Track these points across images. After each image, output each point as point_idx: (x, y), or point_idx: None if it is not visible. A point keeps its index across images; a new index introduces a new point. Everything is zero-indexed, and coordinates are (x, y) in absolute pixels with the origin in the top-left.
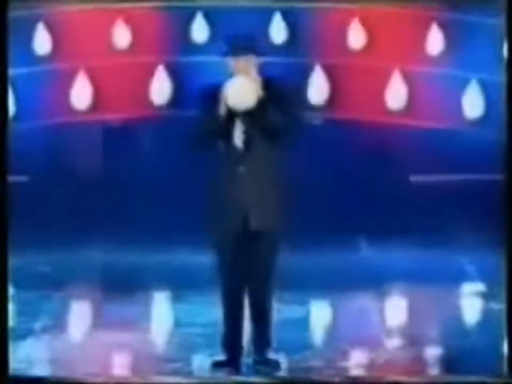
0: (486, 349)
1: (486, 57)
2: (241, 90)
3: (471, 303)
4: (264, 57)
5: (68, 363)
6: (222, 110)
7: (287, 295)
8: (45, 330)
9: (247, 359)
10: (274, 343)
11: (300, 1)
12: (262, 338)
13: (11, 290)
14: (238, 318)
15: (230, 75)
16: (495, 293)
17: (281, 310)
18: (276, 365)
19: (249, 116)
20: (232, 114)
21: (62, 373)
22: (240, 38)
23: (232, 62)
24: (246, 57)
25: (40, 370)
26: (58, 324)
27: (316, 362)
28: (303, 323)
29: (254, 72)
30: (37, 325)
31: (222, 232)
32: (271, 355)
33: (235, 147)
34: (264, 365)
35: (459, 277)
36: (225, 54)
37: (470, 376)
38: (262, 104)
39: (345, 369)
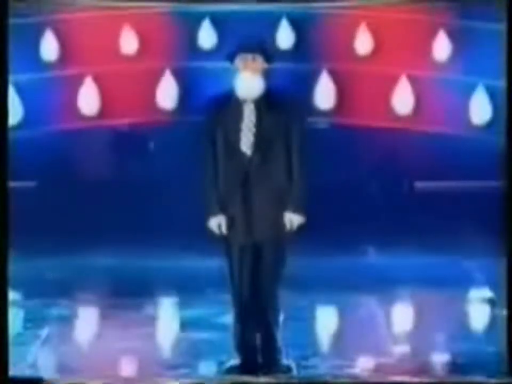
0: (492, 353)
1: (492, 63)
2: (248, 81)
3: (477, 308)
4: (272, 63)
5: (75, 368)
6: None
7: (294, 300)
8: (51, 336)
9: (258, 363)
10: (283, 348)
11: (307, 7)
12: (273, 343)
13: (18, 296)
14: (250, 323)
15: (236, 74)
16: (501, 298)
17: (288, 315)
18: (287, 369)
19: (256, 121)
20: (239, 119)
21: (69, 378)
22: (250, 39)
23: (240, 62)
24: (254, 57)
25: (47, 376)
26: (65, 330)
27: (323, 367)
28: (311, 328)
29: (259, 74)
30: (44, 331)
31: (230, 239)
32: (282, 360)
33: (242, 153)
34: (275, 370)
35: (465, 282)
36: (234, 53)
37: (472, 377)
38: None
39: (352, 373)
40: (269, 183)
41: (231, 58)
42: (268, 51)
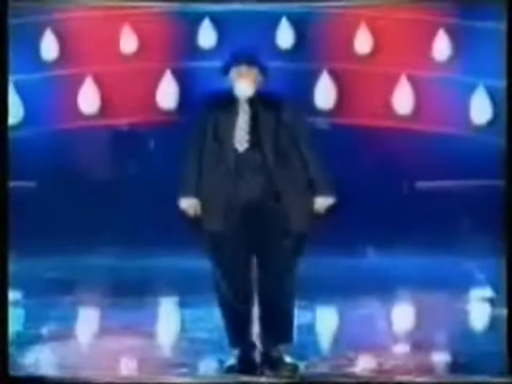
0: (492, 353)
1: (492, 63)
2: (243, 89)
3: (477, 308)
4: (266, 75)
5: (75, 368)
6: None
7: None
8: (51, 335)
9: (263, 362)
10: (291, 346)
11: (307, 7)
12: (279, 340)
13: (18, 296)
14: (248, 317)
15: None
16: (501, 298)
17: None
18: (293, 368)
19: (250, 117)
20: (233, 113)
21: (69, 378)
22: (245, 50)
23: (234, 73)
24: (249, 68)
25: (47, 375)
26: (66, 329)
27: (323, 368)
28: (311, 329)
29: (254, 84)
30: (45, 330)
31: (218, 229)
32: (288, 358)
33: (235, 149)
34: (281, 368)
35: (465, 282)
36: (228, 65)
37: (472, 377)
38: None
39: (352, 374)
40: (261, 176)
41: (225, 71)
42: (262, 63)
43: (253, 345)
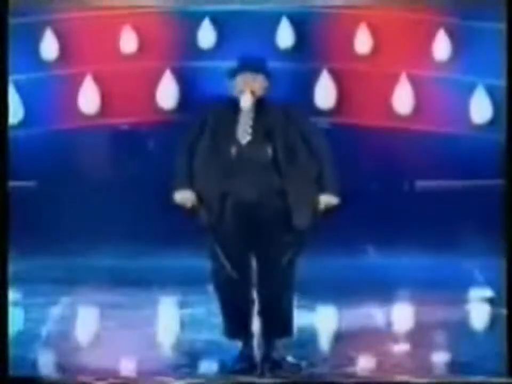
0: (492, 353)
1: (493, 62)
2: (249, 101)
3: (477, 308)
4: (271, 80)
5: (75, 368)
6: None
7: (294, 301)
8: (52, 335)
9: (264, 362)
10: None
11: (307, 7)
12: (279, 334)
13: (18, 296)
14: (248, 310)
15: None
16: (501, 298)
17: None
18: (296, 368)
19: (254, 113)
20: (235, 110)
21: (69, 378)
22: (251, 57)
23: (240, 78)
24: (255, 75)
25: (47, 375)
26: (65, 329)
27: (323, 368)
28: (311, 329)
29: (260, 90)
30: (44, 330)
31: (223, 223)
32: (290, 358)
33: (238, 141)
34: (283, 368)
35: (465, 282)
36: (235, 70)
37: (472, 377)
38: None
39: (353, 374)
40: (262, 169)
41: (231, 76)
42: (267, 69)
43: (252, 338)
